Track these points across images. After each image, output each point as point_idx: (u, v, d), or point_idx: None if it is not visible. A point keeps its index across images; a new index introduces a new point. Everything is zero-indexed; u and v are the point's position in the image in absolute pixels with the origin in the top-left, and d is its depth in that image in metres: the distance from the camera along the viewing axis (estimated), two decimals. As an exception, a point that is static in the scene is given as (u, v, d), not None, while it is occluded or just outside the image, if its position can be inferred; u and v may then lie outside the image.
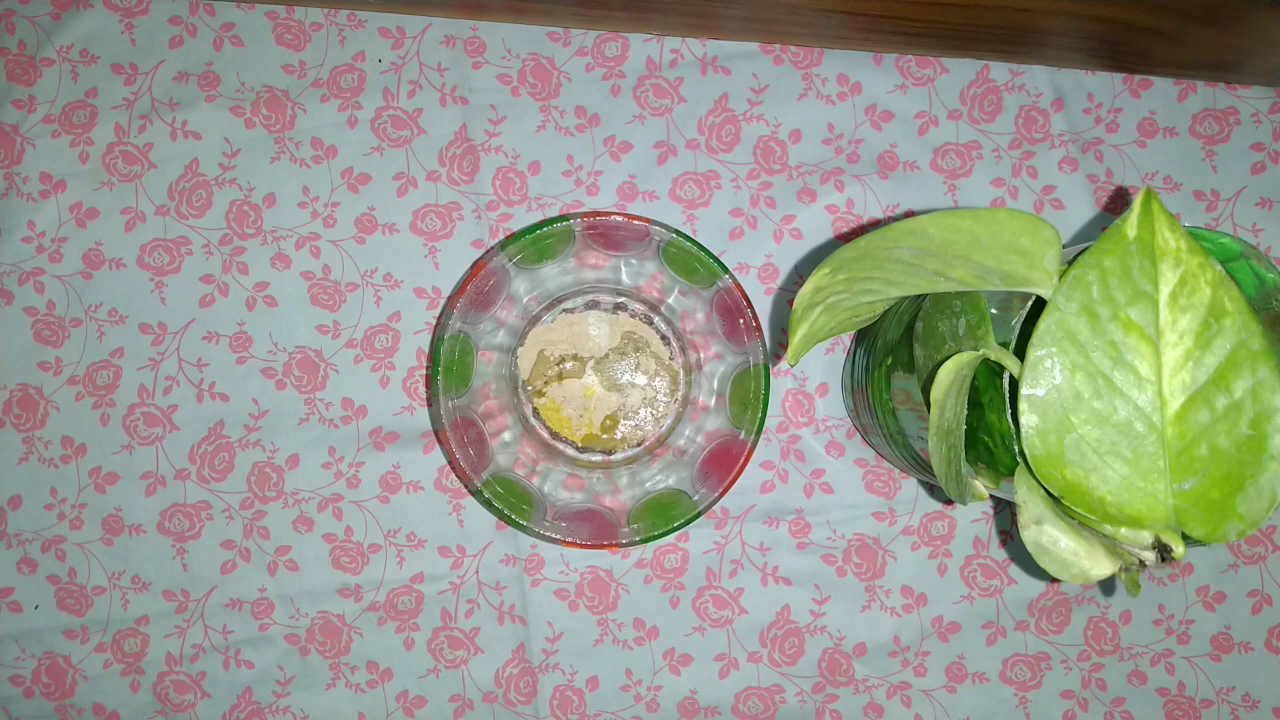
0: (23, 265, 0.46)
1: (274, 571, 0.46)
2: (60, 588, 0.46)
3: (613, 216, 0.39)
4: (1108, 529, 0.26)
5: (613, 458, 0.45)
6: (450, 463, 0.38)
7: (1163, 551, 0.26)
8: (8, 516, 0.46)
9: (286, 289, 0.46)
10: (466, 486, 0.39)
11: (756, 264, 0.47)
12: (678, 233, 0.39)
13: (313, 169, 0.47)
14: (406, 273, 0.47)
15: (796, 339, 0.30)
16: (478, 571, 0.46)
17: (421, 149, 0.47)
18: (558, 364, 0.45)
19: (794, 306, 0.30)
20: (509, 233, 0.46)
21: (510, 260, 0.40)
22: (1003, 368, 0.28)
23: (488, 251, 0.41)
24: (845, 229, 0.47)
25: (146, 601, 0.46)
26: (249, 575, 0.46)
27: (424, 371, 0.46)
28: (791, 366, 0.45)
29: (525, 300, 0.44)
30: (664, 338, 0.46)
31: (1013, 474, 0.29)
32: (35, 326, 0.46)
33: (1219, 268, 0.26)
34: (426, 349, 0.46)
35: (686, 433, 0.45)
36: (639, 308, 0.46)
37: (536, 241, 0.39)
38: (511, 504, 0.40)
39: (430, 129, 0.47)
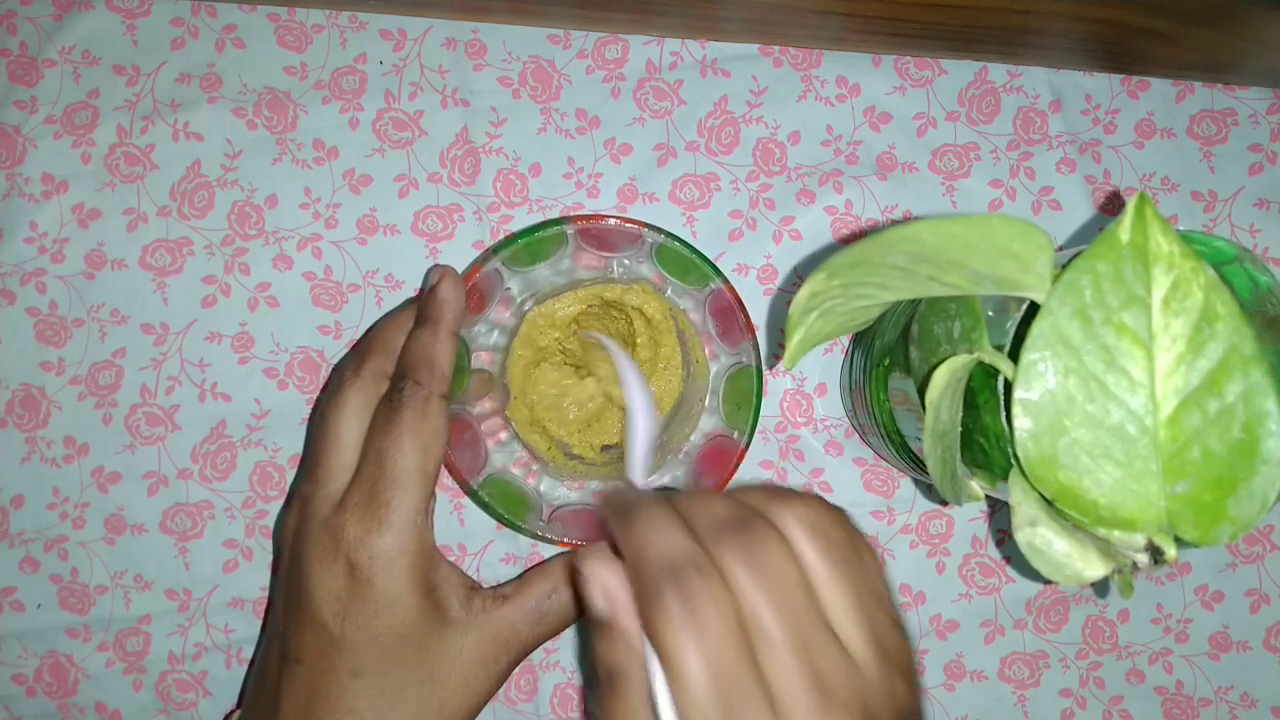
0: (25, 266, 0.46)
1: (276, 571, 0.46)
2: (62, 587, 0.46)
3: (604, 220, 0.39)
4: (1101, 531, 0.27)
5: (609, 454, 0.45)
6: (447, 464, 0.38)
7: (1155, 554, 0.26)
8: (10, 516, 0.46)
9: (288, 290, 0.47)
10: (463, 487, 0.39)
11: (756, 265, 0.47)
12: (669, 234, 0.39)
13: (314, 170, 0.47)
14: (408, 274, 0.47)
15: (793, 343, 0.31)
16: (479, 571, 0.46)
17: (423, 151, 0.47)
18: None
19: (790, 311, 0.30)
20: (510, 235, 0.46)
21: (503, 264, 0.40)
22: (998, 371, 0.28)
23: (481, 255, 0.41)
24: (844, 230, 0.47)
25: (149, 600, 0.46)
26: (251, 574, 0.46)
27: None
28: (788, 370, 0.45)
29: (519, 301, 0.44)
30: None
31: (1008, 476, 0.29)
32: (37, 327, 0.46)
33: (1211, 272, 0.26)
34: (427, 349, 0.47)
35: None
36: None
37: (529, 245, 0.39)
38: (508, 505, 0.40)
39: (431, 131, 0.47)
